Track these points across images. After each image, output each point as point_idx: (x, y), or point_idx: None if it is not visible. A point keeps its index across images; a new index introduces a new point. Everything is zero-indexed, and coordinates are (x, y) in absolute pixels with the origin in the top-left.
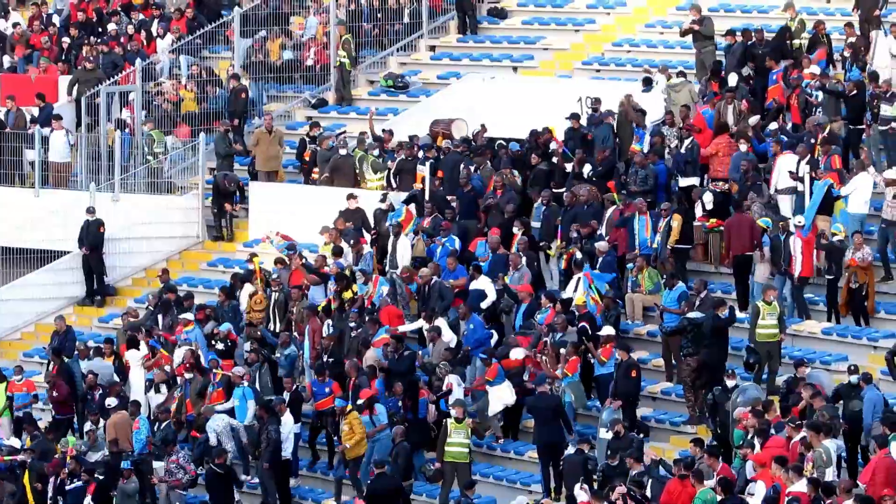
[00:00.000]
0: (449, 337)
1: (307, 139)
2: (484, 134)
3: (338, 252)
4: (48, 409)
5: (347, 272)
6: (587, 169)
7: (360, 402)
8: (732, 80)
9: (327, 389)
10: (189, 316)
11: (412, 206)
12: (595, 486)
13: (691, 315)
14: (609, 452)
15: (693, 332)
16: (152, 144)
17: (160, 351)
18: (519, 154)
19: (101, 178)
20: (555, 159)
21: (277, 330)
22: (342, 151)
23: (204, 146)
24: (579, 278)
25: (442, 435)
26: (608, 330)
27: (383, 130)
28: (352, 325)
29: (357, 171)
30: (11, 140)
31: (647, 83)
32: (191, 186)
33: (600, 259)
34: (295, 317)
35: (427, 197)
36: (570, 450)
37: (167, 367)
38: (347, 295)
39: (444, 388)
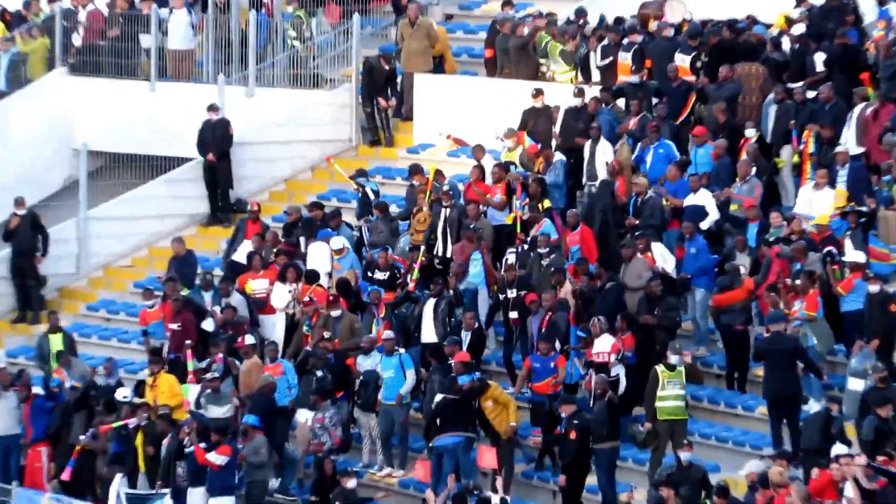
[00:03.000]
0: (663, 261)
1: (496, 25)
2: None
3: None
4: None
5: (534, 186)
6: (821, 58)
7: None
8: None
9: (552, 365)
10: (339, 243)
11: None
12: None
13: None
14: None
15: None
16: (300, 28)
17: (316, 286)
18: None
19: (232, 70)
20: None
21: (447, 254)
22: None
23: (359, 30)
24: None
25: (651, 386)
26: (856, 255)
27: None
28: (542, 250)
29: (543, 60)
30: (123, 23)
31: None
32: (342, 79)
33: (843, 168)
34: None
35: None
36: (814, 406)
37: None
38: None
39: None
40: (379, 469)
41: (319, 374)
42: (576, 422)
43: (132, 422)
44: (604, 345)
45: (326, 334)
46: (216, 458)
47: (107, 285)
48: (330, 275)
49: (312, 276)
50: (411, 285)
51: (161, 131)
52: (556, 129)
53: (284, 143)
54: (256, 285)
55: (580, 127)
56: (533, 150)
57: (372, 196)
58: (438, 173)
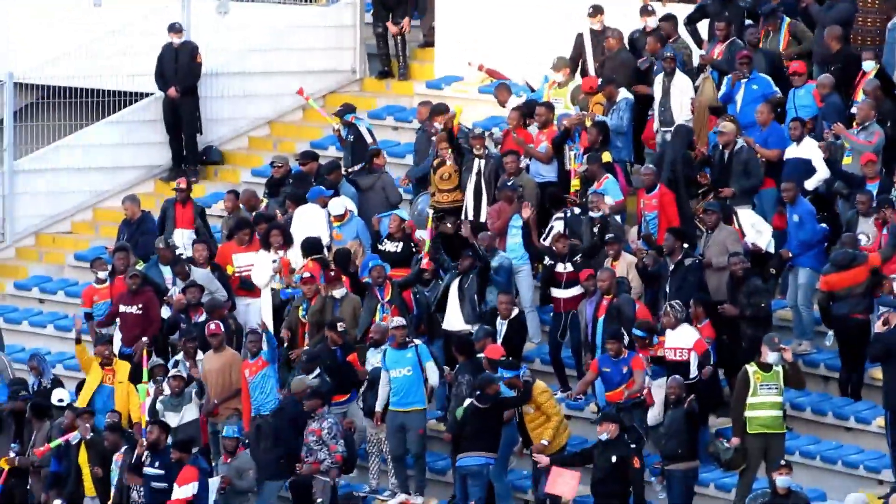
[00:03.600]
0: (755, 233)
1: None
2: None
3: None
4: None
5: (592, 132)
6: None
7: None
8: None
9: (626, 369)
10: (339, 206)
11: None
12: None
13: None
14: None
15: None
16: None
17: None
18: None
19: None
20: None
21: (479, 219)
22: None
23: None
24: None
25: (739, 391)
26: None
27: None
28: (597, 213)
29: None
30: None
31: None
32: None
33: None
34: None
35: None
36: None
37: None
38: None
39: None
40: (391, 496)
41: (316, 373)
42: (613, 453)
43: (73, 437)
44: (681, 338)
45: (341, 326)
46: (183, 491)
47: (39, 257)
48: (329, 247)
49: (312, 246)
50: (424, 261)
51: (109, 59)
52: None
53: (266, 75)
54: (243, 260)
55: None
56: (590, 86)
57: (369, 139)
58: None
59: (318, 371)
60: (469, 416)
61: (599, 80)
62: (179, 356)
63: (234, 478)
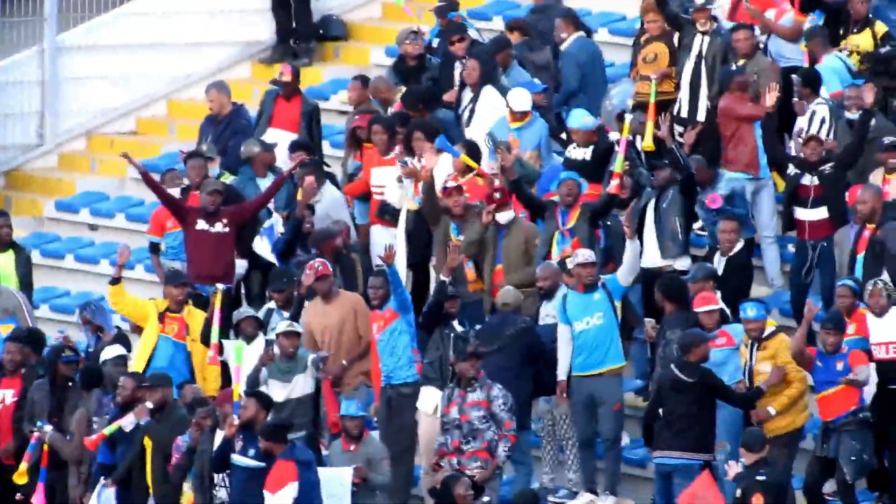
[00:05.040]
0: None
1: None
2: None
3: None
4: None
5: None
6: None
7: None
8: None
9: (842, 366)
10: (524, 99)
11: None
12: None
13: None
14: None
15: None
16: None
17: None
18: None
19: None
20: None
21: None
22: None
23: None
24: None
25: None
26: None
27: None
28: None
29: None
30: None
31: None
32: None
33: None
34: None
35: None
36: None
37: None
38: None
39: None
40: (568, 496)
41: (459, 328)
42: (761, 477)
43: (129, 422)
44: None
45: (470, 272)
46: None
47: (91, 167)
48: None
49: (473, 148)
50: (613, 184)
51: None
52: None
53: None
54: (382, 177)
55: None
56: None
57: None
58: None
59: (463, 327)
60: (666, 393)
61: None
62: (272, 304)
63: (369, 469)
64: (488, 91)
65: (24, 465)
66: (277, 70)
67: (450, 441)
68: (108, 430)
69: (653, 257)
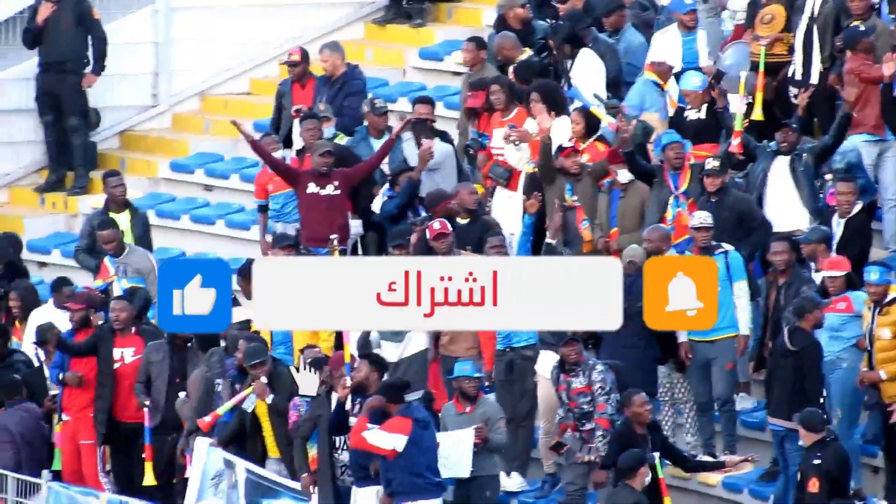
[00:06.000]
0: None
1: None
2: None
3: None
4: None
5: None
6: None
7: None
8: None
9: None
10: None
11: None
12: None
13: None
14: None
15: None
16: None
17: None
18: None
19: None
20: None
21: (808, 77)
22: None
23: None
24: None
25: None
26: None
27: None
28: None
29: None
30: None
31: None
32: None
33: None
34: None
35: None
36: None
37: None
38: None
39: None
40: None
41: None
42: (817, 461)
43: (250, 402)
44: None
45: (587, 232)
46: (384, 439)
47: (205, 127)
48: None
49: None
50: (735, 142)
51: None
52: None
53: None
54: (502, 140)
55: None
56: None
57: None
58: None
59: None
60: (777, 359)
61: None
62: None
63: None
64: (584, 53)
65: (148, 466)
66: (394, 31)
67: (570, 418)
68: (221, 410)
69: (782, 223)
